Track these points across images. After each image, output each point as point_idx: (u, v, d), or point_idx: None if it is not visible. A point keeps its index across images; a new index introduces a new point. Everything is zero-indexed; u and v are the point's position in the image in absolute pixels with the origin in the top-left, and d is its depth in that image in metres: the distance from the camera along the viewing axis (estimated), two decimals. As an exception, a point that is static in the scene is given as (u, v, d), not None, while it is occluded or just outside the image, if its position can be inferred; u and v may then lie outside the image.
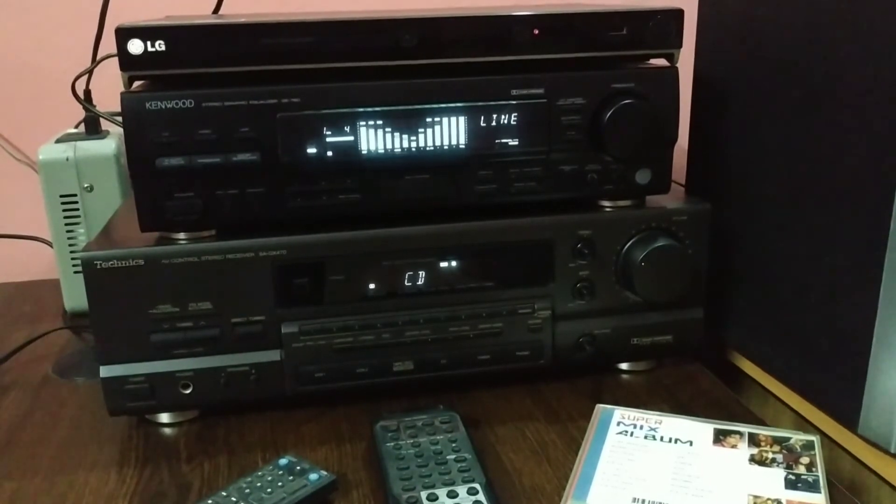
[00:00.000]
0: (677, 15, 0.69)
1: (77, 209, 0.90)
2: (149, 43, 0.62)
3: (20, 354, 0.82)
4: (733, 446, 0.63)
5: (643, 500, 0.57)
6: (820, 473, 0.59)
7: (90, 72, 0.90)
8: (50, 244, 0.93)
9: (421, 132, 0.68)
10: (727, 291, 0.80)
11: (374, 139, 0.67)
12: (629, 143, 0.70)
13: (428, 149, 0.68)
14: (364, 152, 0.67)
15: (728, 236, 0.78)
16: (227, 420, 0.71)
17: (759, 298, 0.75)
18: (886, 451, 0.62)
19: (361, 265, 0.69)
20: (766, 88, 0.72)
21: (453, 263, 0.71)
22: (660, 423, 0.66)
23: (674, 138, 0.73)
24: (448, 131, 0.68)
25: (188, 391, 0.68)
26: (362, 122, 0.67)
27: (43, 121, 1.02)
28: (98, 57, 0.89)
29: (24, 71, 1.06)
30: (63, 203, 0.90)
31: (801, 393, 0.71)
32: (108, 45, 0.69)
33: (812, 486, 0.58)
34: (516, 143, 0.69)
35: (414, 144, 0.68)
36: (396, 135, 0.68)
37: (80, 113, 0.93)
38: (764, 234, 0.74)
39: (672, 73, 0.71)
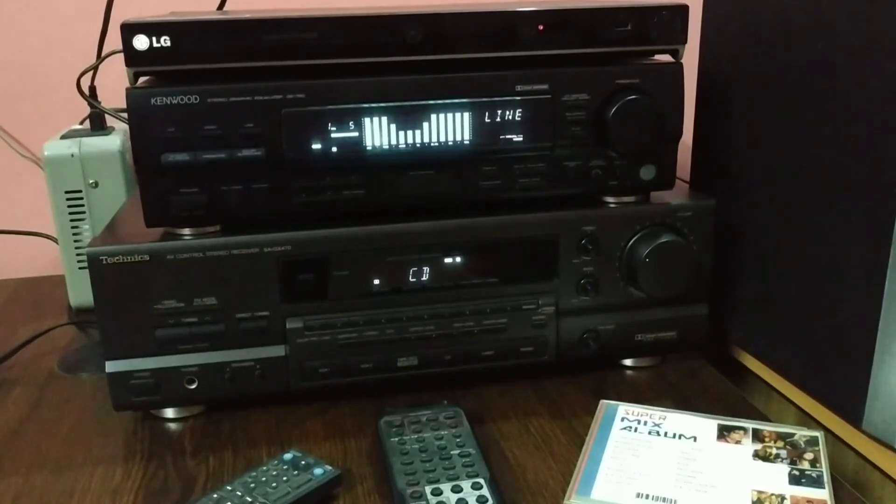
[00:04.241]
0: (682, 11, 0.69)
1: (82, 205, 0.90)
2: (154, 39, 0.62)
3: (25, 350, 0.83)
4: (737, 442, 0.63)
5: (647, 496, 0.57)
6: (824, 469, 0.59)
7: (95, 68, 0.91)
8: (55, 240, 0.93)
9: (425, 128, 0.68)
10: (731, 287, 0.80)
11: (378, 135, 0.67)
12: (633, 138, 0.70)
13: (432, 144, 0.68)
14: (368, 148, 0.67)
15: (732, 232, 0.78)
16: (232, 415, 0.71)
17: (763, 294, 0.75)
18: (890, 447, 0.62)
19: (366, 261, 0.69)
20: (770, 85, 0.72)
21: (457, 259, 0.71)
22: (664, 419, 0.66)
23: (678, 134, 0.73)
24: (452, 127, 0.68)
25: (193, 386, 0.68)
26: (367, 118, 0.67)
27: (48, 117, 1.02)
28: (103, 53, 0.90)
29: (29, 67, 1.06)
30: (68, 199, 0.90)
31: (805, 389, 0.71)
32: (114, 41, 0.69)
33: (816, 482, 0.58)
34: (521, 138, 0.70)
35: (418, 140, 0.68)
36: (401, 130, 0.68)
37: (86, 109, 0.93)
38: (768, 230, 0.74)
39: (677, 69, 0.71)
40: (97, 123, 0.92)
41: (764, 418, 0.69)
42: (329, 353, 0.70)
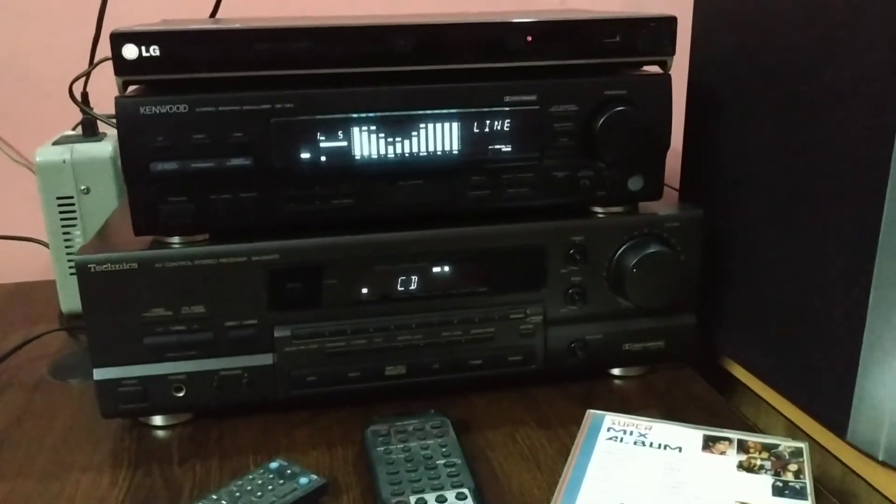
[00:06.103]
0: (670, 22, 0.70)
1: (73, 211, 0.90)
2: (143, 48, 0.62)
3: (16, 355, 0.82)
4: (722, 453, 0.63)
5: (631, 506, 0.57)
6: (807, 481, 0.59)
7: (87, 74, 0.91)
8: (46, 245, 0.93)
9: (414, 138, 0.68)
10: (719, 297, 0.80)
11: (367, 145, 0.68)
12: (621, 149, 0.70)
13: (421, 154, 0.69)
14: (358, 158, 0.68)
15: (720, 242, 0.78)
16: (220, 423, 0.71)
17: (750, 305, 0.76)
18: (874, 459, 0.62)
19: (354, 270, 0.69)
20: (759, 96, 0.72)
21: (446, 268, 0.71)
22: (649, 429, 0.66)
23: (666, 145, 0.73)
24: (441, 137, 0.69)
25: (181, 394, 0.69)
26: (356, 128, 0.67)
27: (40, 123, 1.02)
28: (95, 59, 0.90)
29: (21, 73, 1.07)
30: (60, 205, 0.90)
31: (792, 399, 0.72)
32: (106, 47, 0.69)
33: (799, 494, 0.58)
34: (509, 149, 0.70)
35: (407, 150, 0.68)
36: (390, 140, 0.68)
37: (78, 115, 0.93)
38: (756, 240, 0.74)
39: (665, 81, 0.71)
40: (89, 129, 0.93)
41: (752, 429, 0.69)
42: (317, 361, 0.70)
